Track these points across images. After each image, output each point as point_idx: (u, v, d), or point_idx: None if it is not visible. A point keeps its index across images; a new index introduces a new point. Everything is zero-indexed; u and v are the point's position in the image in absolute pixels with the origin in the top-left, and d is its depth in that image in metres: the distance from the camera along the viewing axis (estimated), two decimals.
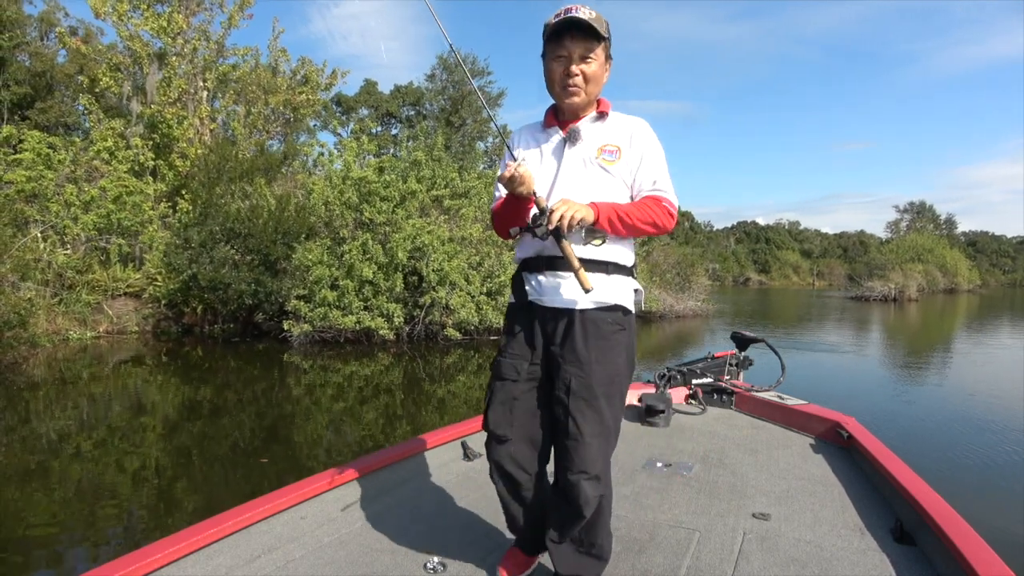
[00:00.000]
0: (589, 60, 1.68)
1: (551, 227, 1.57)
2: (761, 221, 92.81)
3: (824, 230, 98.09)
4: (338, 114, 31.18)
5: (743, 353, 4.31)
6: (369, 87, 35.73)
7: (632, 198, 1.78)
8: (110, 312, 13.00)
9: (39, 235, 12.15)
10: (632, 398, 3.97)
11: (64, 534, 3.98)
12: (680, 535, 2.26)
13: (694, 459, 3.12)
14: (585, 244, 1.69)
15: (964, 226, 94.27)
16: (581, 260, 1.64)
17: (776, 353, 4.24)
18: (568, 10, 1.63)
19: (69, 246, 12.91)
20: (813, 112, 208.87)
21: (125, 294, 13.54)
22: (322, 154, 15.87)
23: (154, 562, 1.88)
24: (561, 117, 1.80)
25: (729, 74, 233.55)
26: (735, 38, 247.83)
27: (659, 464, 3.04)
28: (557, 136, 1.78)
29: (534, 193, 1.66)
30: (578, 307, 1.72)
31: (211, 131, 16.77)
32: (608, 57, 1.74)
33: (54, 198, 12.84)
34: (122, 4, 15.55)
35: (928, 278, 43.51)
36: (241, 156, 14.75)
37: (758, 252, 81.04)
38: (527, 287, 1.79)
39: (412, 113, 34.94)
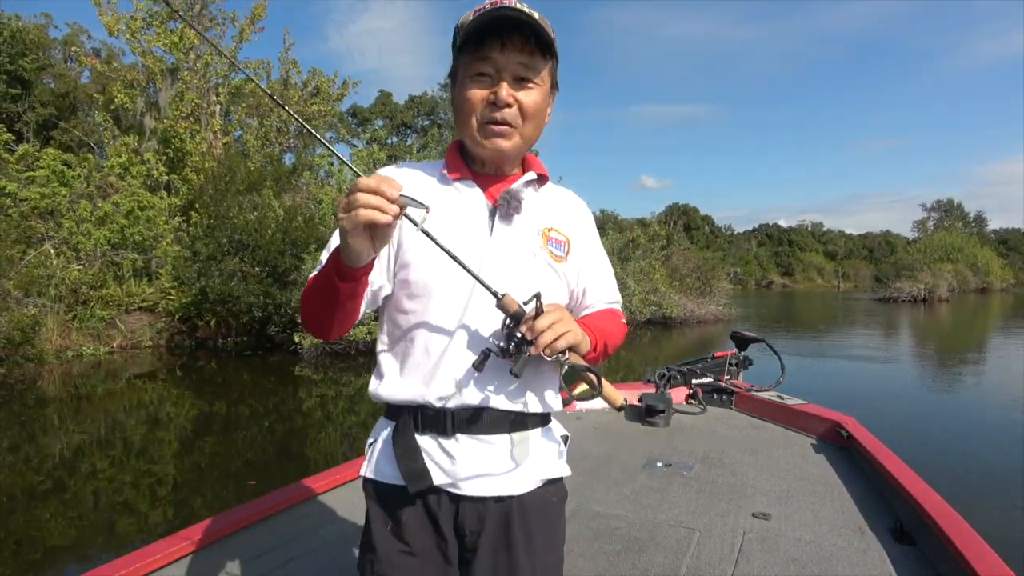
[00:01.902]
0: (530, 84, 1.06)
1: (541, 350, 0.97)
2: (783, 223, 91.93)
3: (848, 231, 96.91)
4: (353, 125, 31.35)
5: (743, 353, 4.28)
6: (384, 98, 35.96)
7: (575, 307, 1.27)
8: (123, 327, 13.01)
9: (52, 251, 12.19)
10: (632, 398, 3.99)
11: (72, 549, 4.06)
12: (680, 534, 2.27)
13: (694, 459, 3.12)
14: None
15: (995, 223, 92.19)
16: (510, 412, 1.10)
17: (776, 353, 4.24)
18: (497, 2, 1.01)
19: (84, 261, 12.96)
20: (835, 112, 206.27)
21: (139, 308, 13.57)
22: (331, 163, 15.82)
23: (154, 562, 1.89)
24: (476, 168, 1.16)
25: (750, 76, 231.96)
26: (755, 39, 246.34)
27: (659, 464, 3.04)
28: (476, 198, 1.13)
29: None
30: (517, 492, 1.11)
31: (224, 144, 16.83)
32: (555, 85, 1.13)
33: (68, 214, 12.91)
34: (135, 21, 15.72)
35: (959, 278, 42.52)
36: (250, 167, 14.72)
37: (781, 255, 79.93)
38: (428, 462, 1.08)
39: (427, 123, 35.06)
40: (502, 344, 1.01)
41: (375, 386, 1.14)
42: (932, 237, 56.88)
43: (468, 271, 0.98)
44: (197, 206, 14.67)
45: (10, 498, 4.96)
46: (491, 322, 1.06)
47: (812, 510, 2.46)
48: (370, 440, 1.18)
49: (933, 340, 17.75)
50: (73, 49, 20.97)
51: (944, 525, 1.95)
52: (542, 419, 1.16)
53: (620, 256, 19.61)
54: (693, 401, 4.08)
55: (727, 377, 4.18)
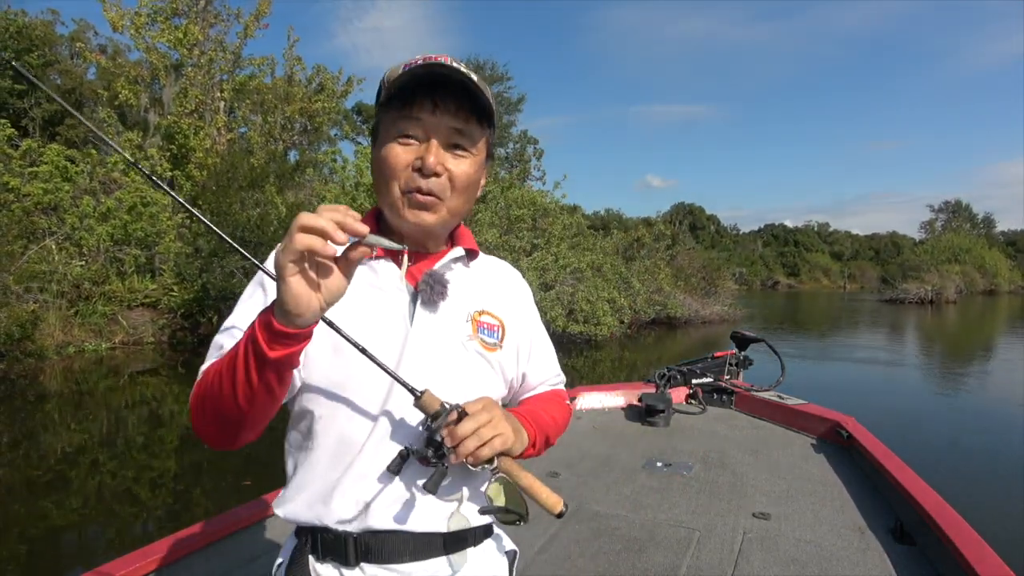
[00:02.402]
0: (462, 152, 0.93)
1: (463, 459, 0.84)
2: (789, 223, 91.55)
3: (855, 231, 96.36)
4: (358, 122, 31.34)
5: (743, 353, 4.28)
6: None
7: (513, 395, 1.12)
8: (125, 323, 13.00)
9: (53, 246, 12.18)
10: (632, 398, 4.01)
11: (73, 544, 4.08)
12: (680, 534, 2.27)
13: (694, 459, 3.12)
14: (486, 493, 0.94)
15: (1003, 225, 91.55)
16: (430, 534, 0.94)
17: (776, 353, 4.24)
18: (431, 58, 0.89)
19: (87, 257, 12.95)
20: (843, 112, 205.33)
21: (142, 304, 13.56)
22: (335, 160, 15.78)
23: (154, 562, 1.88)
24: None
25: (755, 76, 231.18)
26: (760, 39, 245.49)
27: (659, 464, 3.04)
28: (394, 280, 0.96)
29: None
30: None
31: (228, 141, 16.81)
32: (490, 155, 1.01)
33: (71, 210, 12.90)
34: (139, 17, 15.70)
35: (966, 279, 42.24)
36: (253, 163, 14.68)
37: (787, 255, 79.61)
38: None
39: None
40: (420, 449, 0.86)
41: (280, 504, 0.96)
42: (939, 238, 56.61)
43: (380, 365, 0.83)
44: (200, 202, 14.67)
45: (11, 492, 4.98)
46: (412, 429, 0.91)
47: (812, 510, 2.46)
48: (279, 560, 1.01)
49: (939, 342, 17.59)
50: (78, 45, 20.95)
51: (944, 525, 1.94)
52: (482, 533, 0.98)
53: (625, 255, 19.53)
54: (693, 401, 4.09)
55: (727, 377, 4.18)
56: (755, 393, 3.96)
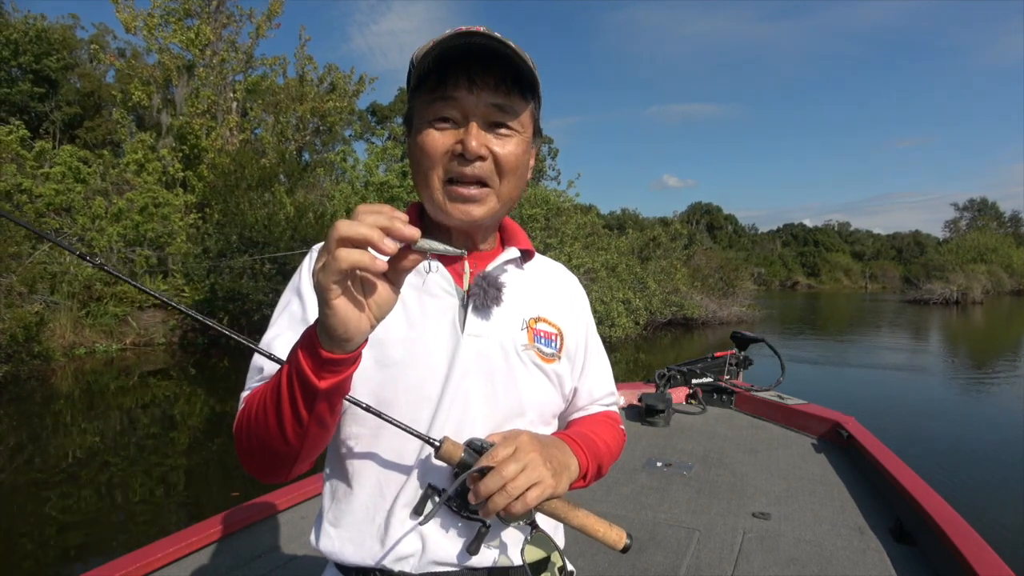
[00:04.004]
0: (506, 131, 0.82)
1: (493, 516, 0.76)
2: (809, 223, 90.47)
3: (876, 231, 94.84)
4: (372, 123, 31.35)
5: (743, 353, 4.28)
6: (403, 95, 35.92)
7: (564, 412, 1.01)
8: (136, 324, 13.00)
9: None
10: (632, 398, 4.00)
11: (79, 546, 4.07)
12: (680, 534, 2.28)
13: (694, 459, 3.13)
14: (526, 539, 0.84)
15: None
16: (482, 571, 0.84)
17: (776, 353, 4.22)
18: (462, 29, 0.79)
19: (98, 258, 12.95)
20: (862, 110, 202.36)
21: (153, 306, 13.57)
22: (344, 160, 15.70)
23: (154, 562, 1.89)
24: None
25: (774, 74, 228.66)
26: (778, 37, 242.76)
27: (659, 464, 3.05)
28: (442, 282, 0.87)
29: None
30: None
31: (241, 141, 16.80)
32: (538, 132, 0.90)
33: (83, 211, 12.92)
34: (152, 18, 15.75)
35: (993, 279, 41.18)
36: (264, 164, 14.64)
37: (806, 255, 78.53)
38: None
39: None
40: (450, 496, 0.78)
41: (318, 536, 0.87)
42: (965, 237, 55.33)
43: (386, 418, 0.76)
44: (210, 202, 14.68)
45: (17, 492, 4.98)
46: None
47: (812, 510, 2.46)
48: None
49: (962, 344, 17.04)
50: (93, 47, 21.16)
51: (944, 525, 1.94)
52: (540, 567, 0.86)
53: (640, 255, 19.22)
54: (693, 401, 4.10)
55: (727, 377, 4.18)
56: (755, 393, 3.98)
